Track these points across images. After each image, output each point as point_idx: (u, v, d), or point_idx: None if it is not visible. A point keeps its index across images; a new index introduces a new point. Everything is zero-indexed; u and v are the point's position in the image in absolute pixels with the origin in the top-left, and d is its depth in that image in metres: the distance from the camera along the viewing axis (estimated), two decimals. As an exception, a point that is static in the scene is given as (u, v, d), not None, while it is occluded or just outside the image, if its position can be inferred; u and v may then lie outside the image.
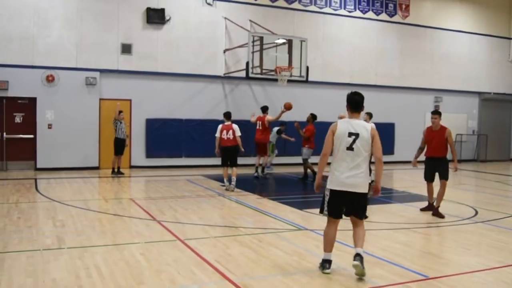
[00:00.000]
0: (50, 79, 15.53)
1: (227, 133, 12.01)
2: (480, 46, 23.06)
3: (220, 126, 12.19)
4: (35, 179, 13.66)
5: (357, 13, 20.06)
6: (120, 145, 14.68)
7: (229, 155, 12.11)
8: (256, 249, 6.95)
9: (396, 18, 20.87)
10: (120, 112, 14.65)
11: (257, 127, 14.99)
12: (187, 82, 17.34)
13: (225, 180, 12.27)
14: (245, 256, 6.58)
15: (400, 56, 21.03)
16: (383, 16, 20.58)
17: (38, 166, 15.54)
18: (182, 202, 10.63)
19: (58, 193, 11.52)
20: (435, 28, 21.77)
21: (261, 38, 15.12)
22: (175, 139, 17.02)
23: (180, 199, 10.99)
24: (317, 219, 9.18)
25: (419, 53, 21.45)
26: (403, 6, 20.90)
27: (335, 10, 19.64)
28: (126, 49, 16.38)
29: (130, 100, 16.69)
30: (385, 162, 16.73)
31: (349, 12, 19.92)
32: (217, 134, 12.12)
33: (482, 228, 8.80)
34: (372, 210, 10.31)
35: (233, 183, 12.05)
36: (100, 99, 16.21)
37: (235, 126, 12.16)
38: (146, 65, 16.69)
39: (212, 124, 16.47)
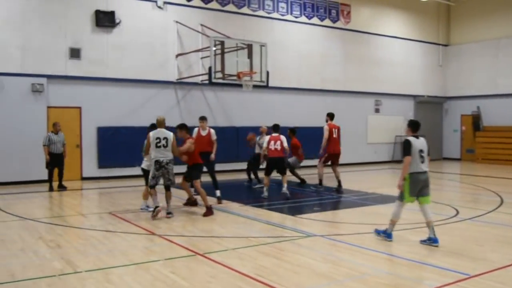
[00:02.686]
0: (-8, 86, 14.25)
1: (274, 144, 12.11)
2: (414, 51, 24.23)
3: (267, 137, 12.36)
4: (-15, 196, 12.43)
5: (303, 18, 20.31)
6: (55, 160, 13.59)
7: (277, 165, 12.26)
8: (284, 259, 6.73)
9: (339, 24, 21.38)
10: (54, 124, 13.67)
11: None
12: (139, 88, 16.63)
13: (265, 188, 12.29)
14: (280, 267, 6.34)
15: (343, 61, 21.56)
16: (327, 22, 21.00)
17: (-19, 181, 14.18)
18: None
19: (24, 209, 10.53)
20: (373, 34, 22.57)
21: (222, 43, 14.79)
22: (128, 147, 16.19)
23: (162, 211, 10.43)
24: (316, 225, 9.10)
25: (360, 58, 22.11)
26: (345, 12, 21.46)
27: (282, 15, 19.76)
28: (75, 53, 15.39)
29: (80, 108, 15.70)
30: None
31: (296, 17, 20.12)
32: (265, 145, 12.31)
33: (474, 225, 9.15)
34: (360, 212, 10.43)
35: (285, 189, 12.21)
36: (48, 107, 15.09)
37: (282, 137, 12.26)
38: (96, 70, 15.79)
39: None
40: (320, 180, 13.95)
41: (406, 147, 7.70)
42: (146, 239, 7.96)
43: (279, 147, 12.11)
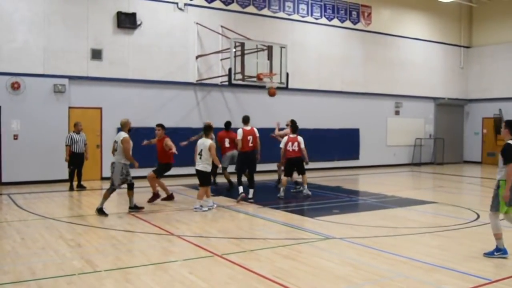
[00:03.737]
0: (15, 87, 14.45)
1: (292, 145, 12.40)
2: (435, 53, 23.96)
3: (285, 138, 12.63)
4: (8, 195, 12.60)
5: (323, 20, 20.24)
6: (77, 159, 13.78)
7: (295, 166, 12.54)
8: (303, 261, 6.70)
9: (360, 25, 21.25)
10: (76, 124, 13.86)
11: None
12: (159, 89, 16.74)
13: (282, 188, 12.55)
14: (298, 269, 6.31)
15: (364, 63, 21.42)
16: (348, 23, 20.89)
17: (4, 180, 14.37)
18: (186, 215, 10.15)
19: (44, 209, 10.68)
20: (394, 35, 22.38)
21: (242, 44, 14.80)
22: (148, 148, 16.26)
23: (181, 212, 10.49)
24: (335, 227, 9.06)
25: (380, 60, 21.94)
26: (366, 14, 21.32)
27: (303, 17, 19.71)
28: (96, 54, 15.55)
29: (101, 108, 15.86)
30: (351, 167, 16.94)
31: (316, 19, 20.05)
32: (282, 145, 12.73)
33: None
34: (379, 215, 10.35)
35: (306, 190, 12.66)
36: (69, 107, 15.28)
37: (300, 139, 12.55)
38: (117, 71, 15.93)
39: (185, 132, 16.02)
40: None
41: (510, 152, 6.76)
42: (165, 239, 8.00)
43: (296, 148, 12.35)
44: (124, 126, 10.42)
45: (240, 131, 12.05)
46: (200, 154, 10.49)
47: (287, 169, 12.62)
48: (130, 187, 10.42)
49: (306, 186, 12.67)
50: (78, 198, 12.63)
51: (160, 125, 11.93)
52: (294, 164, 12.51)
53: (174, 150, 11.45)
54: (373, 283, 5.82)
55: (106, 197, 10.19)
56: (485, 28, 24.61)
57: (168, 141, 11.55)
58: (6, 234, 8.28)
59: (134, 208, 10.41)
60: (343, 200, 12.55)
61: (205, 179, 10.61)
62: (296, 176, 13.28)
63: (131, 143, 10.23)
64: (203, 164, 10.50)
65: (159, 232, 8.45)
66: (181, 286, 5.64)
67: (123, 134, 10.12)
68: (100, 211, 9.99)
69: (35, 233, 8.31)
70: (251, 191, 11.77)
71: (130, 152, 10.20)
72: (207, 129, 10.81)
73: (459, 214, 10.38)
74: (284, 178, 12.60)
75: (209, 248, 7.30)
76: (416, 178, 18.42)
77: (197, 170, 10.61)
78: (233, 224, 9.42)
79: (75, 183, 13.86)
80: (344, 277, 6.03)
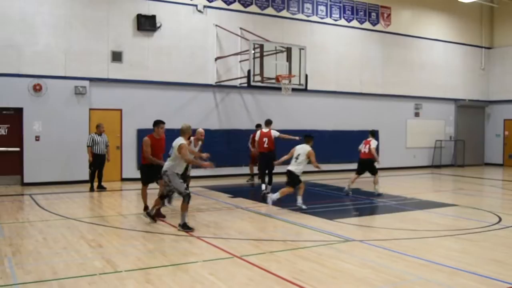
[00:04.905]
0: (37, 89, 14.67)
1: (364, 147, 13.39)
2: (455, 54, 23.68)
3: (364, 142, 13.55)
4: (30, 195, 12.80)
5: (342, 21, 20.16)
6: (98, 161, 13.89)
7: (366, 166, 13.43)
8: (323, 263, 6.67)
9: (379, 26, 21.12)
10: (98, 125, 13.96)
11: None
12: (178, 90, 16.84)
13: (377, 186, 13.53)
14: (318, 271, 6.29)
15: (383, 64, 21.27)
16: (367, 24, 20.78)
17: (25, 181, 14.61)
18: (205, 216, 10.19)
19: (66, 209, 10.81)
20: (413, 36, 22.19)
21: (261, 46, 14.82)
22: (167, 149, 16.37)
23: (200, 213, 10.52)
24: (355, 229, 9.02)
25: (400, 61, 21.78)
26: (385, 15, 21.19)
27: (322, 18, 19.66)
28: (117, 57, 15.72)
29: (121, 110, 16.02)
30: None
31: (335, 20, 19.99)
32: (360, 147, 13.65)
33: (519, 233, 8.87)
34: (399, 217, 10.26)
35: (378, 189, 13.47)
36: (90, 109, 15.46)
37: (373, 142, 13.39)
38: (137, 73, 16.08)
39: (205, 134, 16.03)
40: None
41: None
42: (185, 240, 8.04)
43: (367, 150, 13.30)
44: (184, 133, 9.24)
45: (258, 133, 13.32)
46: (296, 158, 11.07)
47: (360, 169, 13.55)
48: (185, 199, 8.80)
49: (377, 186, 13.50)
50: (99, 199, 12.76)
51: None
52: (364, 164, 13.44)
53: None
54: (393, 285, 5.78)
55: (184, 209, 8.74)
56: (507, 29, 24.26)
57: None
58: (28, 234, 8.40)
59: (184, 227, 8.70)
60: (362, 202, 12.48)
61: (293, 180, 11.06)
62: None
63: (189, 149, 9.43)
64: (297, 166, 11.04)
65: (178, 233, 8.49)
66: (201, 287, 5.66)
67: (181, 141, 8.92)
68: (185, 226, 8.64)
69: (56, 233, 8.41)
70: (268, 187, 12.91)
71: (191, 157, 9.26)
72: (308, 137, 11.34)
73: (480, 217, 10.25)
74: (356, 176, 13.51)
75: (229, 250, 7.32)
76: (436, 181, 18.23)
77: (289, 170, 11.15)
78: (252, 225, 9.43)
79: (95, 184, 14.01)
80: (364, 279, 5.99)
